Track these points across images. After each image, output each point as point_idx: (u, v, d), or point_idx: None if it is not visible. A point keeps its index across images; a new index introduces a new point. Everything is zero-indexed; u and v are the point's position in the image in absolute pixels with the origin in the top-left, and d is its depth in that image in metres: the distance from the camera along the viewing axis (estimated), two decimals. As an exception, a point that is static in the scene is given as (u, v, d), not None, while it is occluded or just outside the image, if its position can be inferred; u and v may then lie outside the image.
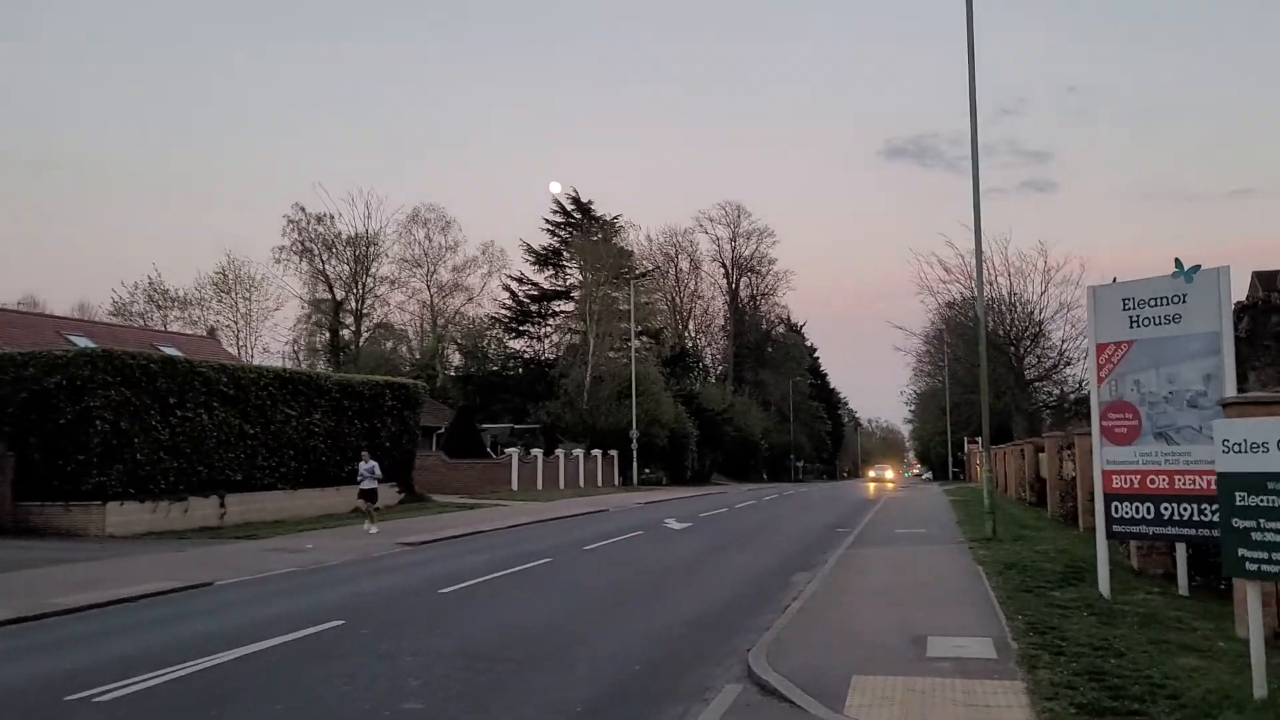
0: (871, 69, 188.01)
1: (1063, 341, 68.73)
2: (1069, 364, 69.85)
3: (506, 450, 46.87)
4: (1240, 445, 6.88)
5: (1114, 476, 11.88)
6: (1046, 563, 15.12)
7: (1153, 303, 11.66)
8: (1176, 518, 11.26)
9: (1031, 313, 66.75)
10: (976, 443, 73.37)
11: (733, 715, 6.96)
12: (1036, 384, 70.00)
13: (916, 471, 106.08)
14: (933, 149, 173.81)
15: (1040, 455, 28.26)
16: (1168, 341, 11.50)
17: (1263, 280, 34.43)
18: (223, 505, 25.43)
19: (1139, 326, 11.76)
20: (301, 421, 28.53)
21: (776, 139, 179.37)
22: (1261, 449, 6.80)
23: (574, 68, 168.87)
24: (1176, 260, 11.54)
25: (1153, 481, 11.51)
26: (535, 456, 47.42)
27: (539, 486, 46.42)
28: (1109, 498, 11.91)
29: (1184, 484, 11.19)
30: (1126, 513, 11.75)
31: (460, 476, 42.13)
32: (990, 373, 67.24)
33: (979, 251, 20.96)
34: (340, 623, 10.62)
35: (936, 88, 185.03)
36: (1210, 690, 6.91)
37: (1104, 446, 11.99)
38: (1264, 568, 6.76)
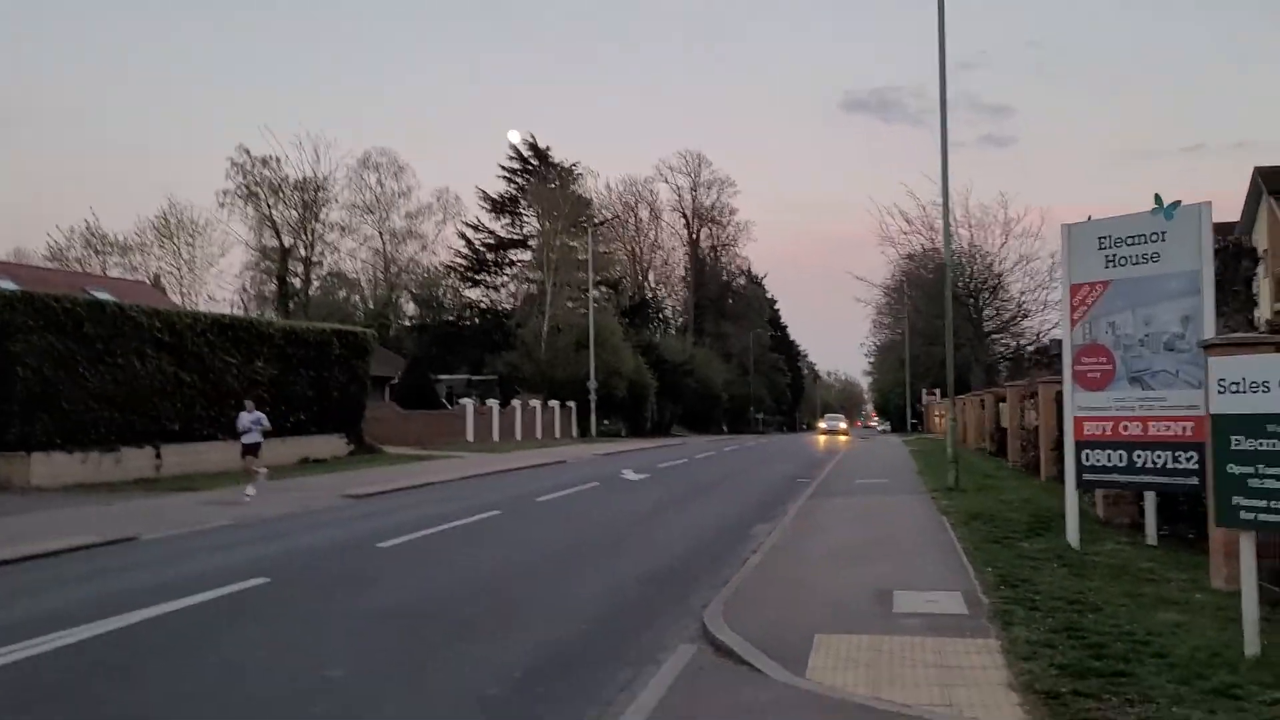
0: (831, 21, 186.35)
1: (1021, 294, 68.88)
2: (1026, 316, 70.06)
3: (461, 401, 46.00)
4: (1238, 385, 6.31)
5: (1085, 424, 11.39)
6: (1012, 513, 14.71)
7: (1130, 241, 11.09)
8: (1150, 465, 10.79)
9: (991, 265, 66.74)
10: (935, 394, 73.86)
11: (685, 680, 6.34)
12: (995, 336, 70.23)
13: (874, 424, 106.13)
14: (895, 102, 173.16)
15: (1001, 405, 27.99)
16: (1145, 282, 10.95)
17: (1265, 177, 34.05)
18: (158, 456, 24.44)
19: (1115, 266, 11.20)
20: (244, 370, 27.45)
21: (737, 91, 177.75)
22: (1262, 389, 6.23)
23: (533, 12, 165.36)
24: (1156, 196, 10.96)
25: (1126, 428, 11.02)
26: (491, 408, 46.62)
27: (495, 438, 45.67)
28: (1080, 445, 11.43)
29: (1159, 430, 10.71)
30: (1098, 461, 11.27)
31: (414, 428, 41.27)
32: (951, 324, 67.71)
33: (945, 195, 20.37)
34: (266, 580, 9.87)
35: (897, 41, 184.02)
36: (1197, 647, 6.40)
37: (1076, 392, 11.49)
38: (1261, 517, 6.21)
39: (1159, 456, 10.71)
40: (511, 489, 20.93)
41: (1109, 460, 11.17)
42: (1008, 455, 25.17)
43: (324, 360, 31.15)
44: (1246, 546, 6.30)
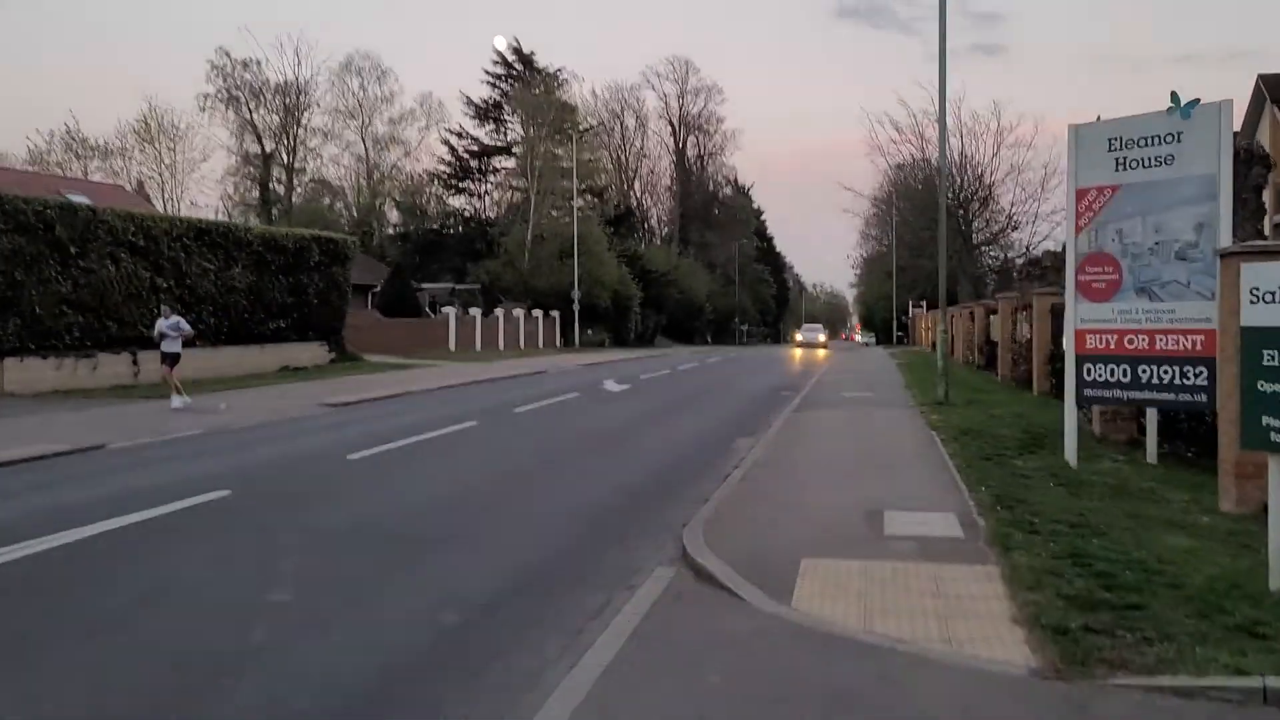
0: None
1: (1012, 205, 68.11)
2: (1016, 228, 69.34)
3: (444, 310, 45.29)
4: (1273, 295, 5.74)
5: (1088, 336, 10.87)
6: (1004, 428, 14.31)
7: (1143, 142, 10.42)
8: (1156, 381, 10.32)
9: (981, 175, 65.81)
10: (922, 307, 73.45)
11: (662, 608, 5.88)
12: (984, 248, 69.65)
13: (859, 337, 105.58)
14: (885, 8, 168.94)
15: (992, 318, 27.51)
16: (1158, 186, 10.32)
17: (1268, 85, 33.18)
18: (135, 363, 23.76)
19: (1125, 169, 10.55)
20: (220, 276, 26.66)
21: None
22: (1301, 299, 5.67)
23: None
24: (1173, 94, 10.25)
25: (1131, 342, 10.51)
26: (473, 316, 45.96)
27: (477, 347, 45.12)
28: (1081, 359, 10.94)
29: (1166, 345, 10.21)
30: (1099, 376, 10.79)
31: (396, 336, 40.63)
32: (939, 236, 66.99)
33: (943, 95, 19.51)
34: (226, 493, 9.35)
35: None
36: (1214, 577, 5.97)
37: (1079, 303, 10.94)
38: (1293, 439, 5.71)
39: (1166, 372, 10.23)
40: (490, 399, 20.43)
41: (1112, 375, 10.69)
42: (998, 369, 24.78)
43: (303, 267, 30.32)
44: (1276, 470, 5.81)
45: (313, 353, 31.10)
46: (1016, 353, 22.16)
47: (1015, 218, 68.56)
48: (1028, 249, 67.35)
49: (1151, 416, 11.61)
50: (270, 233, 29.76)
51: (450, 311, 44.23)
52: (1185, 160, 10.12)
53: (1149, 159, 10.36)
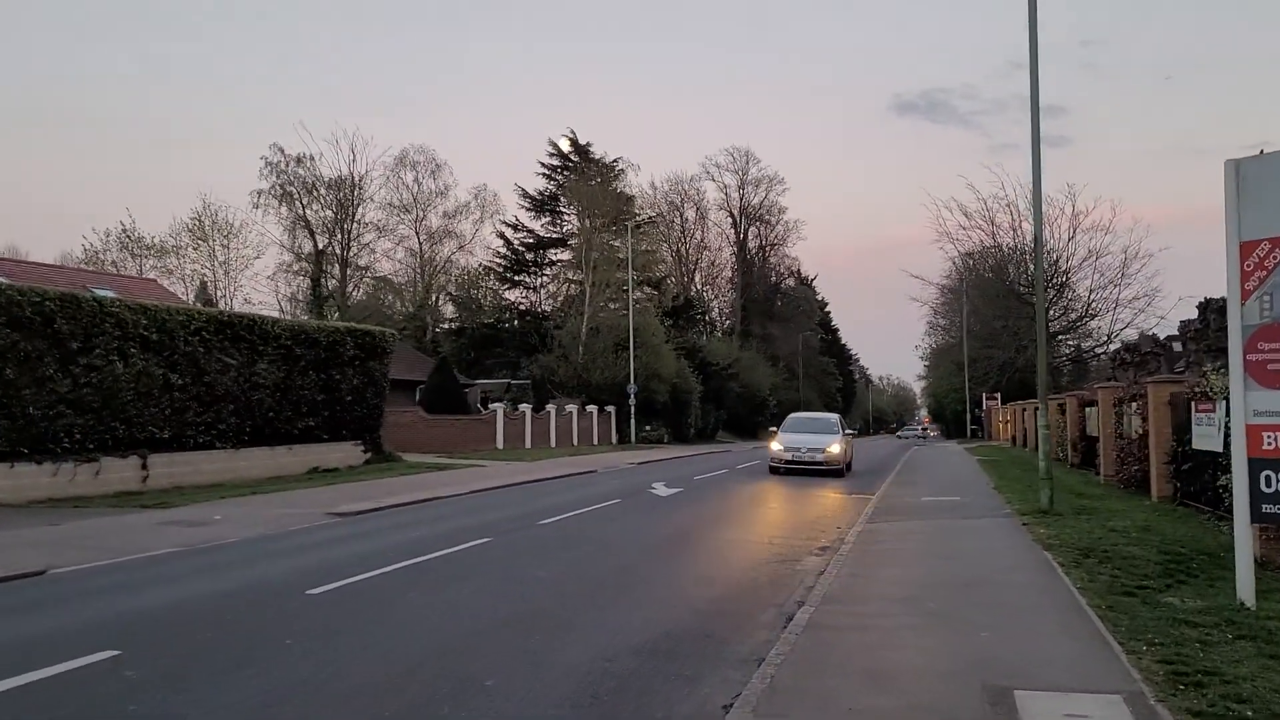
0: (880, 22, 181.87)
1: (1089, 292, 65.20)
2: (1094, 316, 66.18)
3: (491, 406, 43.33)
4: None
5: (1266, 434, 8.25)
6: (1133, 546, 11.54)
7: (1332, 179, 7.95)
8: (1368, 495, 7.64)
9: (1057, 261, 62.93)
10: (995, 399, 69.85)
11: None
12: (1061, 337, 66.36)
13: (928, 429, 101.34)
14: (944, 104, 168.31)
15: (1088, 410, 24.59)
16: (1355, 235, 7.81)
17: None
18: (144, 466, 21.94)
19: (1309, 215, 8.06)
20: (244, 372, 24.93)
21: (785, 92, 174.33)
22: None
23: (576, 7, 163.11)
24: (1372, 114, 7.79)
25: (1329, 441, 7.87)
26: (523, 413, 43.91)
27: (527, 445, 42.96)
28: (1257, 465, 8.29)
29: (1382, 445, 7.57)
30: (1284, 486, 8.12)
31: (440, 434, 38.68)
32: (1010, 326, 63.84)
33: (1037, 158, 17.14)
34: (114, 654, 7.05)
35: (946, 42, 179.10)
36: None
37: (1251, 390, 8.34)
38: None
39: (1382, 482, 7.56)
40: (521, 506, 18.08)
41: (1302, 486, 8.02)
42: (1099, 469, 21.81)
43: (336, 362, 28.60)
44: None
45: (345, 453, 29.16)
46: (1123, 450, 19.26)
47: (1093, 305, 65.49)
48: (1108, 337, 64.08)
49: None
50: (300, 325, 28.15)
51: (498, 408, 42.23)
52: (1394, 199, 7.62)
53: (1342, 199, 7.87)
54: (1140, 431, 17.50)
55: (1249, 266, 8.35)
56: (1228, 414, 12.51)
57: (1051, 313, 63.58)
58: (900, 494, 19.52)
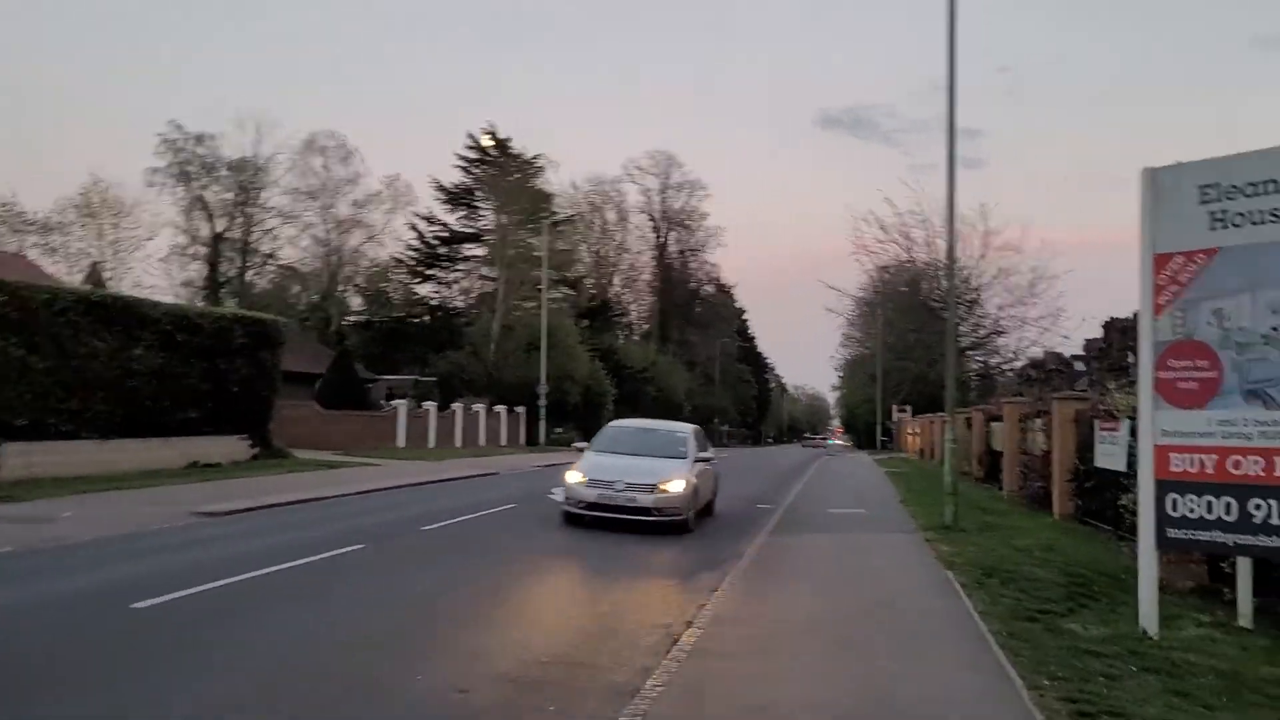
0: (808, 37, 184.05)
1: (998, 309, 66.30)
2: (1002, 333, 67.33)
3: (394, 403, 41.93)
4: None
5: (1173, 455, 7.82)
6: (1035, 566, 11.15)
7: (1254, 189, 7.56)
8: (1278, 521, 7.26)
9: (968, 278, 63.88)
10: (906, 411, 70.62)
11: None
12: (970, 352, 67.40)
13: (839, 440, 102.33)
14: (868, 120, 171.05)
15: (993, 425, 24.54)
16: (1273, 250, 7.44)
17: None
18: (-4, 456, 20.34)
19: (1228, 227, 7.67)
20: (117, 357, 23.31)
21: (711, 102, 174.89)
22: None
23: (505, 3, 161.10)
24: (1295, 122, 7.42)
25: (1238, 465, 7.47)
26: (427, 410, 42.57)
27: (431, 444, 41.67)
28: (1164, 487, 7.86)
29: (1296, 471, 7.19)
30: (1191, 511, 7.71)
31: (338, 430, 37.22)
32: (923, 339, 64.61)
33: (952, 177, 16.83)
34: None
35: (871, 61, 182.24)
36: None
37: (1160, 409, 7.92)
38: None
39: (1295, 509, 7.19)
40: (408, 509, 17.10)
41: (1209, 511, 7.62)
42: (1002, 483, 21.69)
43: (223, 350, 27.08)
44: None
45: (230, 448, 27.63)
46: (1028, 466, 19.11)
47: (1002, 323, 66.67)
48: (1015, 354, 65.25)
49: (1244, 565, 8.51)
50: (183, 310, 26.60)
51: (400, 405, 40.85)
52: (1315, 212, 7.26)
53: (1263, 212, 7.48)
54: (1044, 448, 17.32)
55: (1162, 280, 7.93)
56: (1132, 433, 12.27)
57: (962, 328, 64.53)
58: (806, 506, 19.04)
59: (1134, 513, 11.79)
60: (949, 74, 15.55)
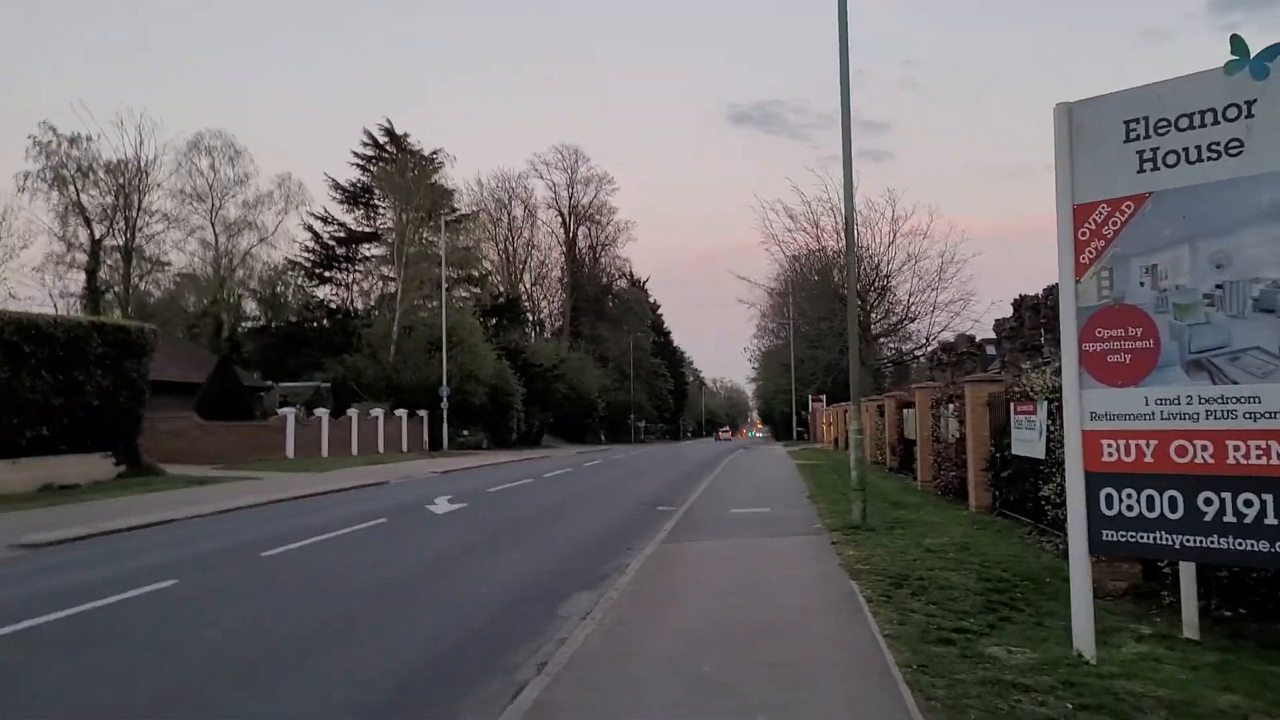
0: (714, 32, 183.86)
1: (909, 295, 66.31)
2: (914, 319, 67.33)
3: (281, 411, 39.57)
4: None
5: (1105, 442, 6.57)
6: (950, 571, 9.90)
7: (1186, 122, 6.33)
8: (1232, 519, 6.04)
9: (878, 265, 63.65)
10: (821, 400, 70.14)
11: None
12: (882, 340, 67.25)
13: (758, 432, 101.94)
14: (776, 115, 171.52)
15: (906, 412, 23.56)
16: (1215, 192, 6.21)
17: None
18: None
19: (1158, 168, 6.43)
20: (-52, 371, 21.05)
21: (620, 98, 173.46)
22: None
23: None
24: (1235, 39, 6.23)
25: (1183, 451, 6.25)
26: (319, 418, 40.30)
27: (324, 453, 39.43)
28: (1096, 480, 6.60)
29: (1246, 455, 5.98)
30: (1128, 508, 6.46)
31: (220, 443, 34.90)
32: (836, 327, 64.19)
33: (849, 171, 15.54)
34: None
35: (779, 57, 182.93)
36: None
37: (1088, 387, 6.66)
38: None
39: (1249, 503, 5.97)
40: (260, 529, 15.27)
41: (1150, 508, 6.38)
42: (916, 473, 20.67)
43: (79, 361, 24.78)
44: None
45: (90, 466, 25.33)
46: (941, 454, 18.06)
47: (913, 308, 66.66)
48: (927, 339, 65.23)
49: (1187, 569, 7.33)
50: (29, 318, 24.16)
51: (287, 413, 38.52)
52: (1261, 147, 6.05)
53: (1198, 149, 6.27)
54: (957, 435, 16.25)
55: (1083, 235, 6.68)
56: (1050, 416, 11.14)
57: (873, 315, 64.22)
58: (709, 506, 17.67)
59: (1056, 505, 10.70)
60: (840, 29, 14.27)
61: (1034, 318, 18.83)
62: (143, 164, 54.11)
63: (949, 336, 56.24)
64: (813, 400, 72.53)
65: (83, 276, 53.06)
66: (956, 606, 8.30)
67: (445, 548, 13.11)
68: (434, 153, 63.02)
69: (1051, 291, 15.43)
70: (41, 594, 9.75)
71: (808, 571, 10.36)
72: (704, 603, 8.83)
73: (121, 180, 53.04)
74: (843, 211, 50.25)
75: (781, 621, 7.95)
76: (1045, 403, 10.90)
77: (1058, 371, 13.13)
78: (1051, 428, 10.67)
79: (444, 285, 50.46)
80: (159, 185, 55.25)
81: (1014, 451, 12.75)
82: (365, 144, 62.85)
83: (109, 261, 54.02)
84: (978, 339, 26.53)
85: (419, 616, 8.78)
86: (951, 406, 16.94)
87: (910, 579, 9.50)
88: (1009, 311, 23.99)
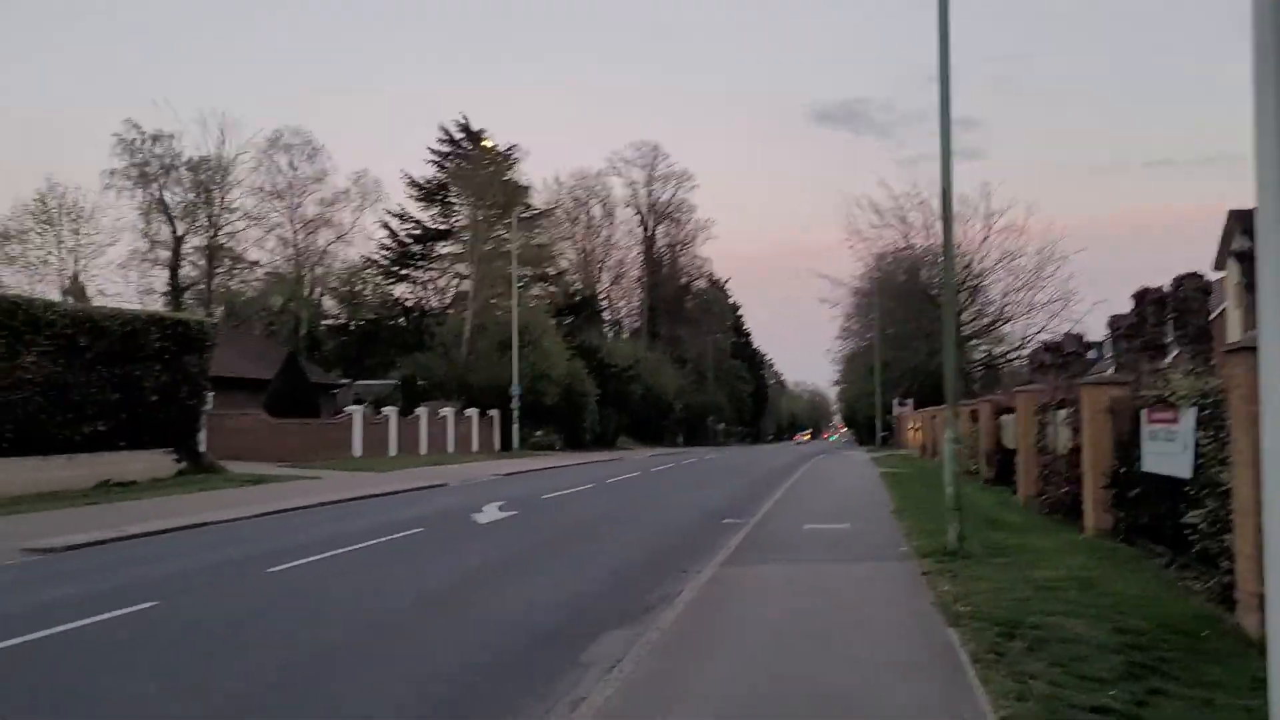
0: (799, 30, 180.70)
1: (1002, 295, 63.25)
2: (1007, 320, 64.17)
3: (348, 409, 38.79)
4: None
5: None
6: (1073, 618, 7.93)
7: None
8: None
9: (970, 263, 60.73)
10: (907, 404, 67.31)
11: None
12: (973, 341, 64.27)
13: (839, 434, 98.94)
14: (862, 114, 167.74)
15: (1004, 419, 21.38)
16: None
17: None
18: None
19: None
20: (1, 365, 20.37)
21: (702, 98, 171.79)
22: None
23: None
24: None
25: None
26: (387, 416, 39.46)
27: (391, 452, 38.54)
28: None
29: None
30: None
31: (287, 440, 34.17)
32: (923, 328, 61.34)
33: (946, 138, 13.56)
34: None
35: (865, 54, 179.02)
36: None
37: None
38: None
39: None
40: (286, 537, 13.99)
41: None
42: (1016, 486, 18.54)
43: (137, 355, 24.08)
44: None
45: (150, 463, 24.60)
46: (1048, 467, 15.94)
47: (1007, 309, 63.51)
48: (1022, 342, 62.02)
49: None
50: (86, 312, 23.57)
51: (355, 411, 37.71)
52: None
53: None
54: (1070, 445, 14.15)
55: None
56: (1199, 426, 9.15)
57: (964, 316, 61.17)
58: (780, 520, 15.87)
59: (1207, 535, 8.70)
60: (940, 22, 12.35)
61: (1158, 313, 16.37)
62: (224, 161, 54.25)
63: (1047, 338, 53.18)
64: (898, 404, 69.80)
65: (166, 274, 53.44)
66: (1089, 670, 6.41)
67: (473, 566, 11.59)
68: (510, 148, 62.16)
69: (1181, 283, 13.20)
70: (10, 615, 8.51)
71: (892, 612, 8.53)
72: (758, 654, 7.10)
73: (203, 177, 53.22)
74: (931, 207, 47.10)
75: (855, 689, 6.17)
76: (1192, 410, 8.88)
77: (1201, 372, 11.07)
78: (1202, 440, 8.65)
79: (515, 282, 49.35)
80: (239, 182, 55.40)
81: (1146, 468, 10.71)
82: (441, 140, 62.36)
83: (192, 258, 54.33)
84: (1088, 339, 24.16)
85: (413, 660, 7.23)
86: (1062, 413, 14.84)
87: (1023, 627, 7.60)
88: (1113, 312, 21.61)
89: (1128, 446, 11.52)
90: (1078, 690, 5.98)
